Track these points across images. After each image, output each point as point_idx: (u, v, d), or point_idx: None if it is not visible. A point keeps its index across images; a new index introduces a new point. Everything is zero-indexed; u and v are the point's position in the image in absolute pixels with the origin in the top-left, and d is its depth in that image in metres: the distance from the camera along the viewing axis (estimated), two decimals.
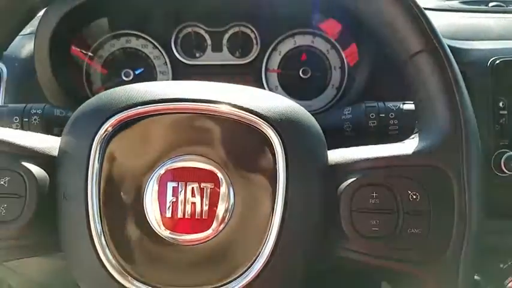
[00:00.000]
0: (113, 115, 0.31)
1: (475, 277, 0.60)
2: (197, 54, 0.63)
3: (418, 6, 0.34)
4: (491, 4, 0.70)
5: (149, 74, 0.63)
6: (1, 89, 0.55)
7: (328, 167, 0.33)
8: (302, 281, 0.33)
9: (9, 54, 0.58)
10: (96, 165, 0.31)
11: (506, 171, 0.50)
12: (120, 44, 0.62)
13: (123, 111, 0.31)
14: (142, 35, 0.62)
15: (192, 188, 0.31)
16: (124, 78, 0.62)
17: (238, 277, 0.30)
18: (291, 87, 0.63)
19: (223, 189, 0.31)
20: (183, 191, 0.30)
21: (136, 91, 0.33)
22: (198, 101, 0.32)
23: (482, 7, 0.70)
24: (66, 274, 0.76)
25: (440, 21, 0.64)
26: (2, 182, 0.31)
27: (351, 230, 0.31)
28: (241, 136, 0.31)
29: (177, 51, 0.63)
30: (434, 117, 0.33)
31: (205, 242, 0.30)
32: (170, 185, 0.31)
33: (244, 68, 0.63)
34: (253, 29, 0.63)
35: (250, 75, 0.63)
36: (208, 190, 0.31)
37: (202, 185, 0.31)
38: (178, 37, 0.63)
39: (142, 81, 0.62)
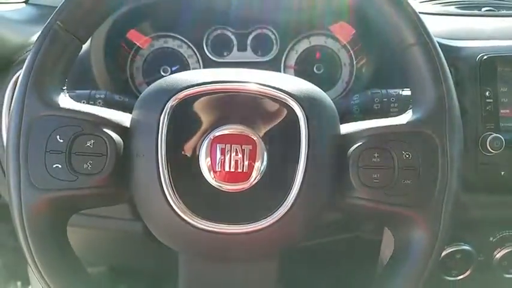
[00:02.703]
0: (178, 92, 0.40)
1: (468, 248, 0.68)
2: (225, 53, 0.73)
3: (411, 6, 0.43)
4: (484, 9, 0.79)
5: (183, 71, 0.72)
6: None
7: (340, 135, 0.42)
8: (318, 224, 0.42)
9: None
10: (165, 129, 0.40)
11: (492, 151, 0.58)
12: (159, 44, 0.72)
13: (186, 89, 0.40)
14: (178, 36, 0.72)
15: (236, 149, 0.39)
16: (162, 73, 0.72)
17: (267, 217, 0.39)
18: None
19: (258, 150, 0.39)
20: (229, 151, 0.40)
21: (195, 75, 0.42)
22: (242, 83, 0.41)
23: (476, 11, 0.78)
24: (96, 244, 0.84)
25: (438, 24, 0.73)
26: (89, 144, 0.40)
27: (358, 182, 0.40)
28: (274, 109, 0.41)
29: (207, 50, 0.72)
30: (424, 95, 0.41)
31: (245, 190, 0.40)
32: (219, 147, 0.39)
33: (265, 65, 0.73)
34: (274, 31, 0.72)
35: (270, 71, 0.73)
36: (248, 151, 0.39)
37: (243, 146, 0.40)
38: (208, 38, 0.73)
39: None
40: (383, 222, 0.45)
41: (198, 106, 0.41)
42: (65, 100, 0.42)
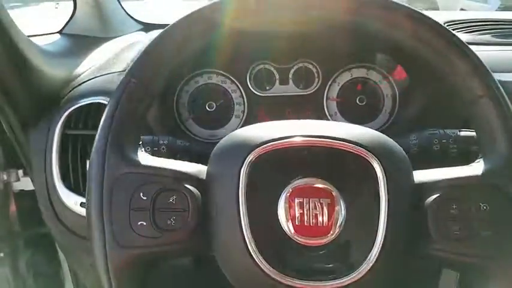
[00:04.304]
0: (257, 147, 0.41)
1: None
2: (267, 87, 0.74)
3: (477, 56, 0.43)
4: None
5: (227, 105, 0.74)
6: None
7: (415, 185, 0.42)
8: (403, 278, 0.42)
9: (112, 91, 0.69)
10: (245, 185, 0.40)
11: None
12: (203, 81, 0.73)
13: (264, 144, 0.41)
14: (222, 72, 0.73)
15: (315, 202, 0.40)
16: (208, 109, 0.73)
17: (351, 273, 0.39)
18: (348, 113, 0.74)
19: (337, 204, 0.40)
20: (307, 204, 0.40)
21: (271, 129, 0.43)
22: (319, 137, 0.41)
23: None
24: None
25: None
26: (171, 200, 0.41)
27: (437, 234, 0.40)
28: (350, 162, 0.41)
29: (250, 85, 0.74)
30: (495, 146, 0.42)
31: (326, 244, 0.40)
32: (297, 200, 0.40)
33: (307, 98, 0.74)
34: (315, 65, 0.73)
35: (312, 104, 0.74)
36: (326, 204, 0.40)
37: (322, 200, 0.40)
38: (251, 73, 0.74)
39: (223, 112, 0.73)
40: (460, 271, 0.46)
41: (275, 160, 0.42)
42: (143, 156, 0.43)
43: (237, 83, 0.74)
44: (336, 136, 0.42)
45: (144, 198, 0.41)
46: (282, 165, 0.42)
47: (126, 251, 0.40)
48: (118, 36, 0.99)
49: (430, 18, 0.44)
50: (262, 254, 0.40)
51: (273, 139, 0.42)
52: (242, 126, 0.74)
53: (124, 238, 0.40)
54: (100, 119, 0.66)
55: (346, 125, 0.44)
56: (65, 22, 0.99)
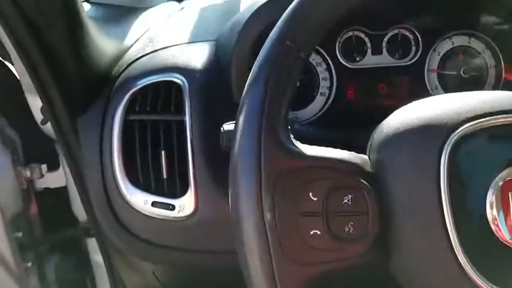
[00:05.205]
0: (458, 126, 0.32)
1: None
2: (357, 58, 0.64)
3: None
4: None
5: (311, 81, 0.63)
6: (186, 100, 0.54)
7: None
8: None
9: (185, 67, 0.57)
10: (447, 178, 0.31)
11: None
12: None
13: (473, 120, 0.32)
14: None
15: None
16: None
17: None
18: (450, 87, 0.65)
19: None
20: None
21: (470, 101, 0.34)
22: None
23: None
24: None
25: None
26: (346, 200, 0.32)
27: None
28: None
29: (340, 55, 0.63)
30: None
31: None
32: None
33: (404, 69, 0.64)
34: (415, 31, 0.63)
35: (410, 76, 0.64)
36: None
37: None
38: (339, 42, 0.63)
39: (306, 89, 0.62)
40: None
41: (481, 142, 0.32)
42: (301, 145, 0.33)
43: (323, 53, 0.63)
44: None
45: (315, 199, 0.31)
46: (493, 147, 0.32)
47: (301, 268, 0.31)
48: (150, 7, 0.85)
49: None
50: (477, 268, 0.31)
51: (481, 114, 0.32)
52: (329, 106, 0.64)
53: (294, 251, 0.31)
54: (172, 100, 0.55)
55: None
56: None
